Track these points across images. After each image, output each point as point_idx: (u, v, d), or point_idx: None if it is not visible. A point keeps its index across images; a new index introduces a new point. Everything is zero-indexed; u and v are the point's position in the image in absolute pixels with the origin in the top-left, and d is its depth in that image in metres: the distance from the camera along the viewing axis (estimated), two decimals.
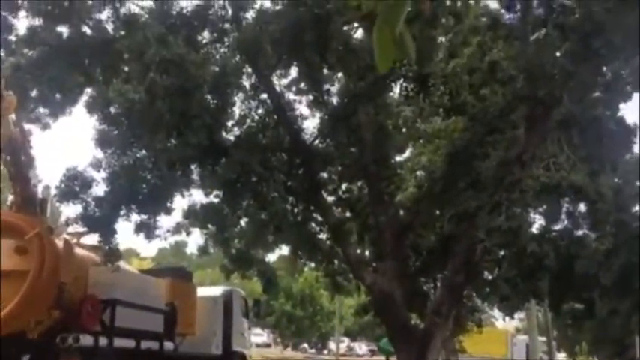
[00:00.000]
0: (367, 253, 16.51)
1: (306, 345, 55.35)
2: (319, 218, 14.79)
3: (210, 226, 15.30)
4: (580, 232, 13.94)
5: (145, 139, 10.01)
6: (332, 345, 49.22)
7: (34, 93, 13.30)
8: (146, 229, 11.30)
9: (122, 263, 14.89)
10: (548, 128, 11.64)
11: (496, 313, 29.32)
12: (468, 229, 12.83)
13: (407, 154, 18.78)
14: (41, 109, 13.67)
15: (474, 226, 12.32)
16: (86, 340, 11.27)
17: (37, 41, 12.27)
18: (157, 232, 11.50)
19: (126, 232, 12.14)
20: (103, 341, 11.64)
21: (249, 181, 11.62)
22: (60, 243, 11.37)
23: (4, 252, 10.66)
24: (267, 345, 57.80)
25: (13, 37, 12.83)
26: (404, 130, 18.89)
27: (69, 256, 11.39)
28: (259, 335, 60.55)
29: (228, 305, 18.22)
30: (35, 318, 10.70)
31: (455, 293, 13.89)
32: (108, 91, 9.64)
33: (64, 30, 12.84)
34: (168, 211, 11.59)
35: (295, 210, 13.98)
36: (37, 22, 12.69)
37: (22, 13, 12.78)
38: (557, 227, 15.22)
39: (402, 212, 15.72)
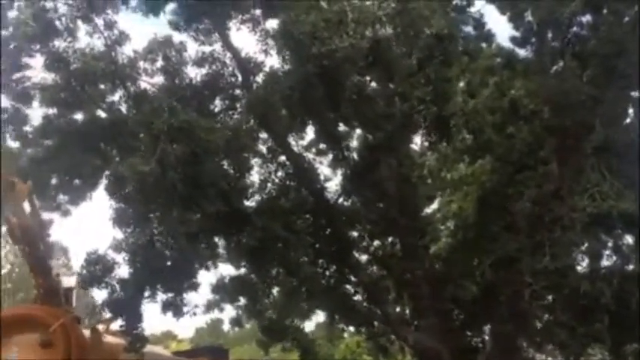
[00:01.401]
0: (407, 310, 15.69)
1: None
2: (353, 278, 14.10)
3: (241, 298, 14.71)
4: (631, 267, 13.05)
5: (161, 213, 9.68)
6: None
7: (53, 181, 13.21)
8: (173, 308, 10.80)
9: (155, 347, 14.38)
10: (582, 158, 11.06)
11: None
12: (510, 275, 12.08)
13: (436, 204, 18.18)
14: (61, 196, 13.55)
15: (517, 270, 11.58)
16: None
17: (52, 129, 12.25)
18: (185, 309, 10.96)
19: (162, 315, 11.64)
20: None
21: (274, 247, 11.13)
22: (87, 332, 10.93)
23: (29, 347, 10.23)
24: None
25: (28, 128, 12.86)
26: (429, 180, 18.39)
27: (97, 345, 10.89)
28: None
29: None
30: None
31: (505, 345, 12.97)
32: (120, 169, 9.37)
33: (78, 116, 12.86)
34: (194, 287, 11.10)
35: (326, 272, 13.37)
36: (51, 111, 12.72)
37: (36, 104, 12.86)
38: (606, 264, 14.36)
39: (437, 264, 14.98)
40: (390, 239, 16.04)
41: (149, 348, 13.45)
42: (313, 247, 12.57)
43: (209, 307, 14.08)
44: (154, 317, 10.69)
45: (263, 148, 12.85)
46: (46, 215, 13.08)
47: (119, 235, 10.36)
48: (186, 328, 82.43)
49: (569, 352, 11.92)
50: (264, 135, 12.61)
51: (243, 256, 11.92)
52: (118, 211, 10.29)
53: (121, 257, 10.34)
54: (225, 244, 12.43)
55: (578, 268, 12.02)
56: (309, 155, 13.91)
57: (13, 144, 12.68)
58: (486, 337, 15.33)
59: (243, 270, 13.13)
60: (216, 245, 12.79)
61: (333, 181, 14.29)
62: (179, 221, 9.70)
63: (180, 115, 9.14)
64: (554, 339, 12.24)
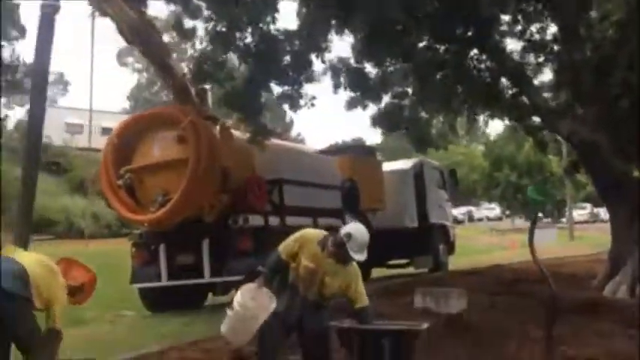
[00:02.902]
0: (562, 100, 14.00)
1: (540, 214, 52.29)
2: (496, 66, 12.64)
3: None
4: None
5: None
6: (574, 213, 45.35)
7: None
8: (290, 100, 10.70)
9: (293, 143, 14.81)
10: None
11: None
12: None
13: None
14: None
15: None
16: (258, 220, 11.43)
17: None
18: (302, 101, 10.81)
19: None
20: (275, 221, 11.71)
21: (390, 33, 10.13)
22: (217, 129, 11.42)
23: (167, 143, 11.03)
24: (499, 218, 56.32)
25: None
26: None
27: (228, 140, 11.41)
28: (491, 209, 59.30)
29: (419, 177, 17.40)
30: (207, 203, 11.04)
31: None
32: None
33: None
34: (311, 79, 10.81)
35: (464, 59, 12.08)
36: None
37: None
38: None
39: (604, 46, 12.81)
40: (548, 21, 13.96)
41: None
42: (438, 30, 11.26)
43: (351, 104, 13.73)
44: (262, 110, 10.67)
45: None
46: None
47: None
48: (376, 135, 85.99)
49: None
50: None
51: (358, 43, 11.17)
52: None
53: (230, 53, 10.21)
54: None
55: None
56: None
57: None
58: None
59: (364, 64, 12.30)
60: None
61: None
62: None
63: None
64: None
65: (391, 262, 17.77)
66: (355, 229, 5.79)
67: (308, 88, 10.81)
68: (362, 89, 11.76)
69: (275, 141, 13.31)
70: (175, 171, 10.78)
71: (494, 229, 42.22)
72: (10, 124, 33.20)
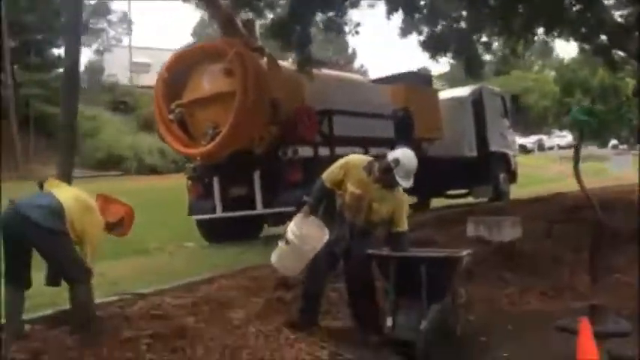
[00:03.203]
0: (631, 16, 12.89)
1: (614, 141, 49.78)
2: None
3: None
4: None
5: None
6: None
7: None
8: (336, 26, 10.40)
9: (343, 73, 14.48)
10: None
11: None
12: None
13: None
14: None
15: None
16: (307, 151, 11.38)
17: None
18: (347, 28, 10.50)
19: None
20: (324, 151, 11.62)
21: None
22: (264, 60, 11.25)
23: (214, 76, 11.00)
24: (571, 146, 54.07)
25: None
26: None
27: (275, 72, 11.25)
28: (562, 137, 56.96)
29: (478, 104, 16.82)
30: (256, 135, 11.05)
31: None
32: None
33: None
34: (355, 4, 10.42)
35: None
36: None
37: None
38: None
39: None
40: None
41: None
42: None
43: (405, 30, 13.19)
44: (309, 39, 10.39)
45: None
46: None
47: None
48: (439, 66, 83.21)
49: None
50: None
51: None
52: None
53: None
54: None
55: None
56: None
57: None
58: None
59: None
60: None
61: None
62: None
63: None
64: None
65: (450, 192, 17.48)
66: (403, 154, 5.60)
67: (354, 15, 10.42)
68: (413, 12, 11.20)
69: (325, 71, 13.07)
70: (224, 104, 10.74)
71: (565, 158, 40.54)
72: None
